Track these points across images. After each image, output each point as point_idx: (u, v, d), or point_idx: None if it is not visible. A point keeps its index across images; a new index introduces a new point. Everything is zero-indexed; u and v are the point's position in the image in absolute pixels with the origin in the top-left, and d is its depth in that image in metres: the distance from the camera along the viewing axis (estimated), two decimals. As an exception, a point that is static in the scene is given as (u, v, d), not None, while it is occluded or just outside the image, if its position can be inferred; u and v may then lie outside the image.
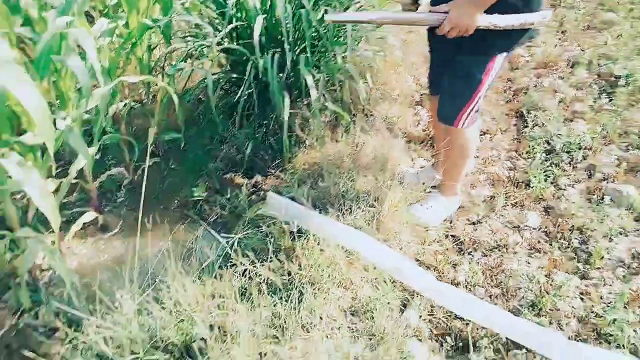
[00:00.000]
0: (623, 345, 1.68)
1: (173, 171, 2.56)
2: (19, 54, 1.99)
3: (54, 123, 1.85)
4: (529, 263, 2.04)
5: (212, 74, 2.48)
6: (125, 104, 2.45)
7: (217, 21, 2.69)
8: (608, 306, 1.82)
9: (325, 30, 2.53)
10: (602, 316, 1.79)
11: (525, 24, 1.73)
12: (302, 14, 2.33)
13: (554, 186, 2.41)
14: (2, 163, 1.53)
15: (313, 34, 2.55)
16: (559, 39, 3.57)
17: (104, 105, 2.16)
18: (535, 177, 2.40)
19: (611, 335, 1.72)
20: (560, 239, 2.14)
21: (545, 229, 2.20)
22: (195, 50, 2.65)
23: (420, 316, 1.78)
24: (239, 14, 2.53)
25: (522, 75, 3.20)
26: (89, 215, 2.14)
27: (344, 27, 2.52)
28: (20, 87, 1.33)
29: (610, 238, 2.13)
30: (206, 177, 2.46)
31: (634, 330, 1.73)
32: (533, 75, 3.19)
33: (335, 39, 2.66)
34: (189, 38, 2.77)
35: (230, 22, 2.42)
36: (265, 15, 2.42)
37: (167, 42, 2.64)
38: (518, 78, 3.18)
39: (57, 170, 2.55)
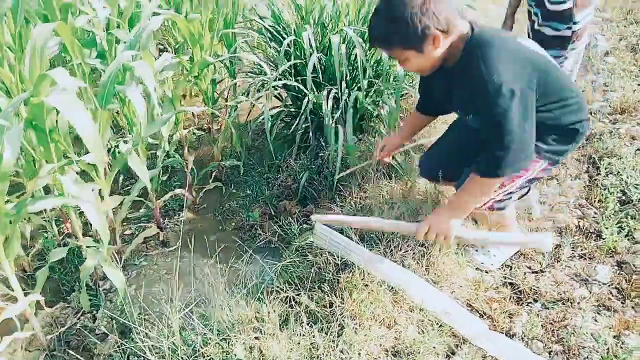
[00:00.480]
0: None
1: (233, 195, 2.65)
2: (91, 83, 2.16)
3: (117, 146, 1.97)
4: (596, 320, 1.85)
5: (274, 107, 2.55)
6: (189, 131, 2.56)
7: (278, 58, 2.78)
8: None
9: (382, 71, 2.53)
10: (682, 389, 1.57)
11: (513, 244, 1.79)
12: (357, 55, 2.34)
13: (629, 239, 2.20)
14: (61, 180, 1.63)
15: (370, 73, 2.56)
16: (639, 84, 3.35)
17: (167, 132, 2.28)
18: (607, 228, 2.21)
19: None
20: (634, 297, 1.93)
21: (617, 286, 2.00)
22: (256, 85, 2.74)
23: (469, 366, 1.64)
24: (297, 52, 2.59)
25: (597, 121, 3.01)
26: (150, 231, 2.27)
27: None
28: (74, 113, 1.43)
29: (695, 301, 1.90)
30: (262, 203, 2.50)
31: None
32: (608, 121, 2.99)
33: (395, 81, 2.66)
34: (250, 74, 2.88)
35: (289, 59, 2.49)
36: (321, 54, 2.46)
37: (231, 76, 2.76)
38: (592, 123, 3.00)
39: (127, 187, 2.72)
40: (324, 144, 2.60)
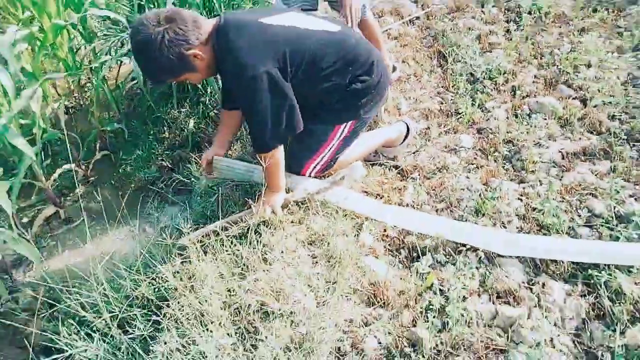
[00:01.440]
0: (562, 231, 1.84)
1: (124, 160, 2.63)
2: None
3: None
4: (468, 177, 2.18)
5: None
6: (60, 103, 2.49)
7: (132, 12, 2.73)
8: (546, 199, 1.96)
9: (238, 6, 2.61)
10: (541, 210, 1.93)
11: (333, 184, 1.94)
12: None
13: (482, 110, 2.57)
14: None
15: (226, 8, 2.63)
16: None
17: (37, 107, 2.21)
18: (463, 105, 2.56)
19: (550, 224, 1.87)
20: (494, 152, 2.30)
21: (480, 148, 2.35)
22: (116, 44, 2.69)
23: (376, 238, 1.89)
24: (150, 4, 2.58)
25: (438, 21, 3.37)
26: (49, 210, 2.23)
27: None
28: None
29: (539, 145, 2.30)
30: (156, 159, 2.53)
31: (570, 219, 1.88)
32: (448, 20, 3.36)
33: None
34: (107, 34, 2.81)
35: (143, 11, 2.47)
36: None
37: (87, 41, 2.69)
38: (434, 24, 3.35)
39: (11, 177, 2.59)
40: (202, 90, 2.67)
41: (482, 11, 3.38)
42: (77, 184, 2.50)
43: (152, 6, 2.58)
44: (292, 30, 1.82)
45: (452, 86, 2.77)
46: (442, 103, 2.68)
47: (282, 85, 1.74)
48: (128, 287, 1.71)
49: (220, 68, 1.82)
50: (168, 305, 1.59)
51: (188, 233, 1.79)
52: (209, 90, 2.64)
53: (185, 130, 2.57)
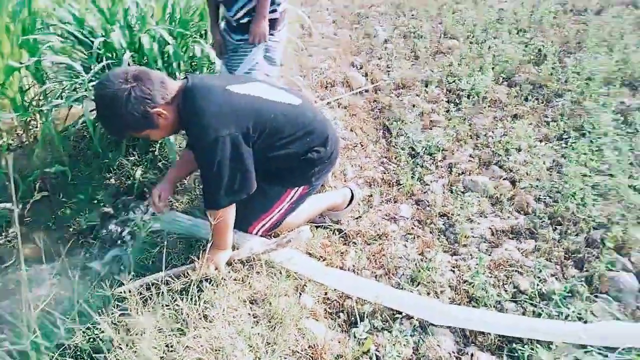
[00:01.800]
0: (490, 304, 1.96)
1: (63, 203, 2.56)
2: None
3: None
4: (405, 246, 2.30)
5: (93, 110, 2.54)
6: (4, 141, 2.42)
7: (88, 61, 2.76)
8: (476, 273, 2.09)
9: (197, 65, 2.71)
10: (471, 283, 2.06)
11: (279, 246, 1.98)
12: (170, 52, 2.49)
13: (421, 183, 2.74)
14: None
15: (187, 68, 2.73)
16: (413, 64, 4.10)
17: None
18: (404, 176, 2.72)
19: (479, 297, 1.99)
20: (430, 224, 2.44)
21: (417, 218, 2.50)
22: (69, 89, 2.68)
23: (317, 301, 1.93)
24: (108, 54, 2.62)
25: (385, 95, 3.62)
26: (-24, 252, 2.11)
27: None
28: None
29: (472, 220, 2.47)
30: (99, 205, 2.48)
31: (498, 294, 2.02)
32: (394, 95, 3.62)
33: (209, 71, 2.87)
34: (61, 78, 2.80)
35: (100, 61, 2.50)
36: (133, 52, 2.54)
37: (39, 82, 2.66)
38: (381, 98, 3.59)
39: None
40: (153, 140, 2.68)
41: (425, 90, 3.66)
42: (13, 224, 2.41)
43: (109, 55, 2.62)
44: (257, 100, 1.90)
45: (395, 158, 2.94)
46: (384, 173, 2.84)
47: (242, 150, 1.80)
48: (61, 335, 1.64)
49: (184, 127, 1.87)
50: (105, 358, 1.54)
51: (129, 282, 1.76)
52: (159, 141, 2.66)
53: (132, 178, 2.55)
